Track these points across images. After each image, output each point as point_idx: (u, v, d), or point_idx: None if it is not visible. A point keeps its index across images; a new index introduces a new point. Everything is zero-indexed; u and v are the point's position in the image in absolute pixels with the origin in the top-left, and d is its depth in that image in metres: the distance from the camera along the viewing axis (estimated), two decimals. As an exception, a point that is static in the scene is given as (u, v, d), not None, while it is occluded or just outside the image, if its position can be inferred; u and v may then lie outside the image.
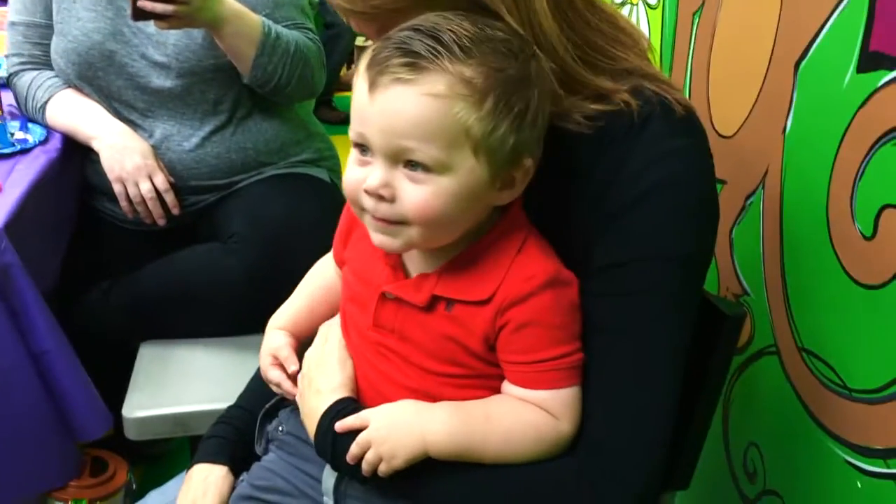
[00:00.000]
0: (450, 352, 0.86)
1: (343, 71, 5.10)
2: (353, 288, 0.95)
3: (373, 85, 0.78)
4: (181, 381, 1.59)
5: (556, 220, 0.90)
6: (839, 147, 1.05)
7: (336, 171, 1.97)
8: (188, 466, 1.10)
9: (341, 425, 0.87)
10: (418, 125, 0.77)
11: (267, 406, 1.08)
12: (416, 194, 0.79)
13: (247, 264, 1.64)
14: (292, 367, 1.01)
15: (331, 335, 0.98)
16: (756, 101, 1.24)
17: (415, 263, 0.89)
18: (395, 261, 0.89)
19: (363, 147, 0.81)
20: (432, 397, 0.87)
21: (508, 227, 0.87)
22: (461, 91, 0.76)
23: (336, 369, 0.94)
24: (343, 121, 4.58)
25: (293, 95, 1.82)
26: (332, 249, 1.06)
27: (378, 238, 0.83)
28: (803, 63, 1.13)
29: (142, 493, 1.19)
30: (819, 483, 1.13)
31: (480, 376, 0.88)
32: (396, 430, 0.84)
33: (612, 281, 0.86)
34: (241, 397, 1.17)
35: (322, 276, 1.09)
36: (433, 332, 0.86)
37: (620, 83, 0.86)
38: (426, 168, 0.78)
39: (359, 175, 0.81)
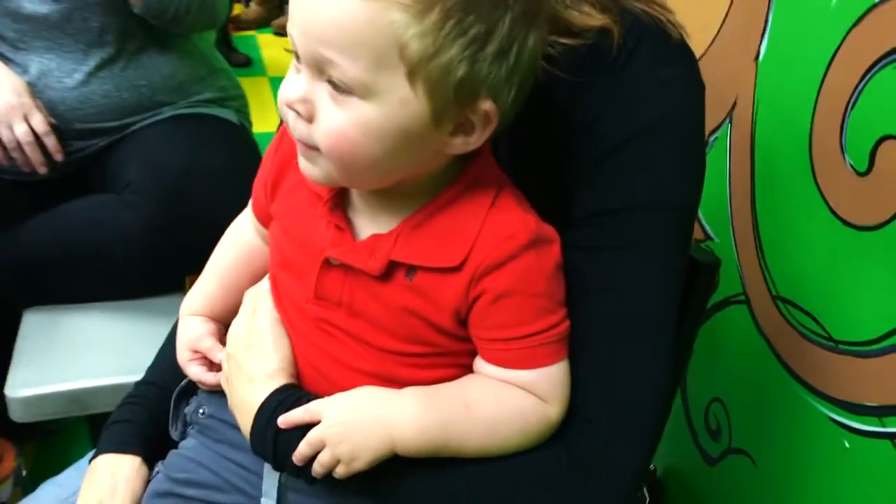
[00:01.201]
0: (411, 328, 0.72)
1: (239, 8, 4.76)
2: (286, 252, 0.78)
3: None
4: (74, 353, 1.38)
5: (529, 170, 0.77)
6: (825, 73, 0.95)
7: (244, 112, 1.78)
8: (91, 455, 0.92)
9: (286, 420, 0.72)
10: (340, 31, 0.61)
11: (183, 384, 0.91)
12: (332, 120, 0.64)
13: (146, 217, 1.45)
14: (218, 356, 0.85)
15: (259, 305, 0.82)
16: (723, 24, 1.12)
17: (365, 222, 0.74)
18: (341, 218, 0.73)
19: (297, 53, 0.66)
20: (390, 381, 0.73)
21: (477, 178, 0.72)
22: None
23: (270, 350, 0.77)
24: (244, 63, 4.28)
25: (193, 26, 1.62)
26: (252, 203, 0.89)
27: (301, 164, 0.69)
28: (781, -20, 1.02)
29: (33, 480, 1.03)
30: (797, 441, 1.04)
31: (448, 354, 0.74)
32: (357, 425, 0.70)
33: (601, 232, 0.74)
34: (150, 371, 1.00)
35: (238, 244, 0.92)
36: (390, 304, 0.71)
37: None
38: (348, 89, 0.63)
39: (285, 84, 0.67)
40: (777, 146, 1.04)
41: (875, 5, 0.87)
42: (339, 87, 0.63)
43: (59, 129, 1.53)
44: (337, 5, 0.61)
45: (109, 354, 1.37)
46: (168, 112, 1.63)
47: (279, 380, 0.76)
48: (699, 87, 0.76)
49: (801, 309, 1.02)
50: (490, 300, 0.69)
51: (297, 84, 0.65)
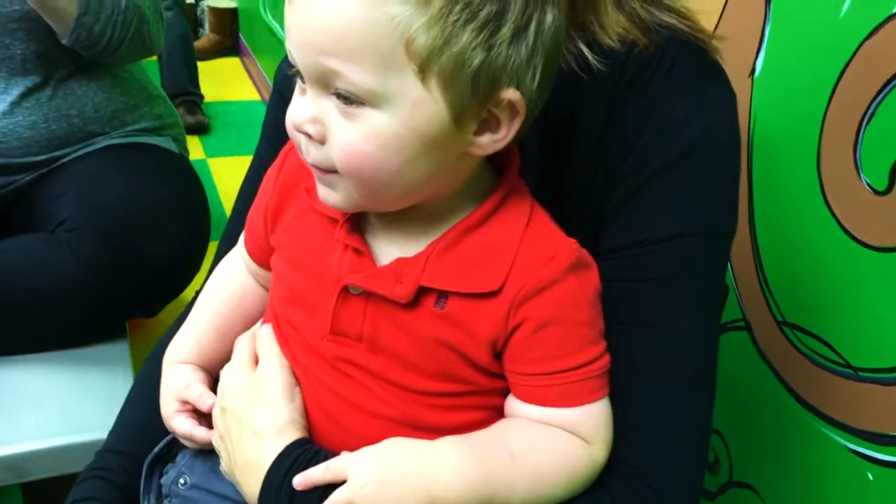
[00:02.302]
0: (441, 362, 0.64)
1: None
2: (294, 285, 0.69)
3: None
4: (7, 412, 1.24)
5: (556, 194, 0.71)
6: (835, 88, 0.91)
7: (181, 140, 1.67)
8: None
9: (304, 480, 0.63)
10: (338, 36, 0.55)
11: (157, 449, 0.80)
12: (345, 136, 0.58)
13: (83, 257, 1.34)
14: (208, 402, 0.75)
15: (262, 350, 0.72)
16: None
17: (387, 245, 0.66)
18: (360, 241, 0.65)
19: (300, 72, 0.60)
20: (415, 427, 0.65)
21: (509, 195, 0.65)
22: None
23: (280, 400, 0.68)
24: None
25: (126, 57, 1.50)
26: (244, 237, 0.79)
27: (319, 191, 0.63)
28: (778, -8, 0.98)
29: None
30: (811, 473, 0.99)
31: (479, 393, 0.66)
32: (391, 485, 0.61)
33: (640, 262, 0.68)
34: (112, 437, 0.88)
35: (230, 283, 0.82)
36: (419, 336, 0.64)
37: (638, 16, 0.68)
38: (357, 100, 0.56)
39: (292, 107, 0.60)
40: (780, 165, 0.99)
41: (891, 17, 0.83)
42: (348, 99, 0.56)
43: (-20, 164, 1.40)
44: (331, 9, 0.54)
45: (49, 412, 1.24)
46: (101, 142, 1.51)
47: (291, 434, 0.67)
48: (735, 106, 0.72)
49: (812, 335, 0.97)
50: (532, 329, 0.62)
51: (304, 105, 0.59)
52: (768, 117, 1.01)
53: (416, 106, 0.56)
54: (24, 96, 1.43)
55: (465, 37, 0.55)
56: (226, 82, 4.04)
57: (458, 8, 0.54)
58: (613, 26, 0.68)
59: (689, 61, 0.70)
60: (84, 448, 1.15)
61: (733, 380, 1.11)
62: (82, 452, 0.98)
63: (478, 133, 0.60)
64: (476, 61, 0.56)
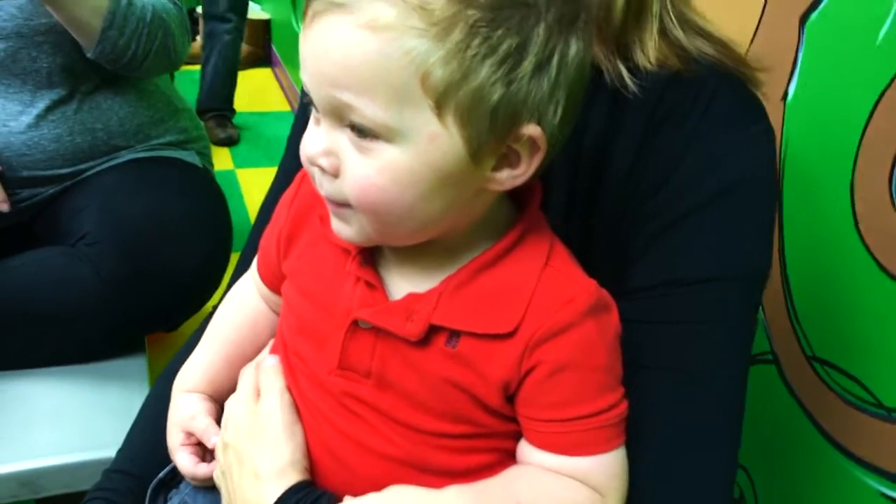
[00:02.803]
0: (451, 403, 0.62)
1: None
2: (304, 315, 0.68)
3: (307, 13, 0.56)
4: (23, 427, 1.24)
5: (580, 229, 0.69)
6: (871, 116, 0.87)
7: (206, 153, 1.66)
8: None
9: None
10: (353, 70, 0.53)
11: (162, 475, 0.79)
12: (358, 170, 0.56)
13: (104, 272, 1.34)
14: (213, 440, 0.73)
15: (265, 385, 0.70)
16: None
17: (400, 279, 0.64)
18: (372, 274, 0.63)
19: (312, 101, 0.58)
20: (422, 469, 0.63)
21: (528, 231, 0.62)
22: (413, 21, 0.52)
23: (280, 440, 0.66)
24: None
25: (151, 70, 1.50)
26: (257, 262, 0.78)
27: (333, 224, 0.61)
28: (812, 16, 0.95)
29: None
30: (839, 516, 0.95)
31: (489, 436, 0.64)
32: None
33: (667, 303, 0.66)
34: (120, 457, 0.87)
35: (242, 309, 0.80)
36: (428, 375, 0.61)
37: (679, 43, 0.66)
38: (371, 134, 0.55)
39: (306, 138, 0.59)
40: (812, 193, 0.96)
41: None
42: (362, 132, 0.54)
43: (5, 176, 1.39)
44: (345, 42, 0.52)
45: (64, 428, 1.24)
46: (125, 156, 1.51)
47: (291, 476, 0.65)
48: (773, 145, 0.70)
49: (842, 371, 0.93)
50: (546, 373, 0.59)
51: (317, 137, 0.57)
52: (801, 144, 0.98)
53: (432, 141, 0.54)
54: (49, 109, 1.43)
55: (484, 71, 0.53)
56: (257, 93, 4.06)
57: (476, 42, 0.52)
58: (655, 52, 0.66)
59: (729, 95, 0.67)
60: (99, 465, 1.12)
61: (760, 414, 1.08)
62: (97, 469, 0.96)
63: (496, 169, 0.58)
64: (495, 96, 0.54)
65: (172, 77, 1.72)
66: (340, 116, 0.55)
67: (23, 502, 1.56)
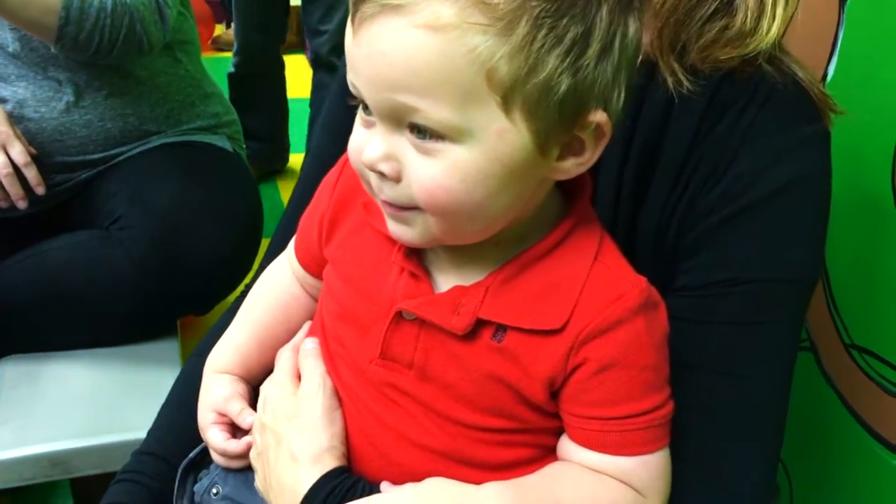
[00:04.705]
0: (493, 398, 0.61)
1: (220, 29, 4.60)
2: (346, 302, 0.67)
3: (356, 17, 0.54)
4: (56, 409, 1.25)
5: (620, 217, 0.69)
6: (914, 98, 0.85)
7: (238, 138, 1.66)
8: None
9: None
10: (415, 72, 0.52)
11: (192, 455, 0.79)
12: (425, 172, 0.54)
13: (135, 255, 1.34)
14: (248, 420, 0.73)
15: (306, 368, 0.69)
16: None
17: (446, 271, 0.63)
18: (417, 265, 0.63)
19: (365, 103, 0.56)
20: (460, 461, 0.62)
21: (578, 224, 0.61)
22: (475, 17, 0.50)
23: (319, 424, 0.65)
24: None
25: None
26: (295, 245, 0.77)
27: (391, 227, 0.59)
28: (853, -5, 0.92)
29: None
30: (878, 507, 0.93)
31: (530, 431, 0.63)
32: None
33: (716, 303, 0.66)
34: (149, 439, 0.87)
35: (274, 292, 0.80)
36: (472, 369, 0.60)
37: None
38: (436, 134, 0.53)
39: (362, 141, 0.57)
40: (850, 177, 0.93)
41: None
42: (426, 134, 0.53)
43: (40, 161, 1.40)
44: (403, 44, 0.51)
45: (96, 410, 1.25)
46: (156, 141, 1.51)
47: (328, 461, 0.64)
48: (829, 148, 0.69)
49: (882, 359, 0.91)
50: (592, 371, 0.58)
51: (374, 142, 0.55)
52: (840, 126, 0.95)
53: (499, 137, 0.53)
54: (79, 95, 1.44)
55: (551, 63, 0.52)
56: (295, 79, 4.06)
57: (542, 34, 0.51)
58: (717, 53, 0.65)
59: (787, 93, 0.66)
60: (130, 446, 1.12)
61: (796, 403, 1.05)
62: (128, 450, 0.97)
63: (561, 158, 0.57)
64: (563, 87, 0.53)
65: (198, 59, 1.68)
66: (399, 119, 0.54)
67: (56, 482, 1.59)
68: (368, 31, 0.53)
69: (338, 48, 2.52)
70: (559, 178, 0.59)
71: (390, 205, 0.57)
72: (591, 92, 0.54)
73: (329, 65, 2.63)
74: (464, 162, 0.53)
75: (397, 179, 0.55)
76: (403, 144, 0.55)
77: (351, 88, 0.57)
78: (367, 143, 0.56)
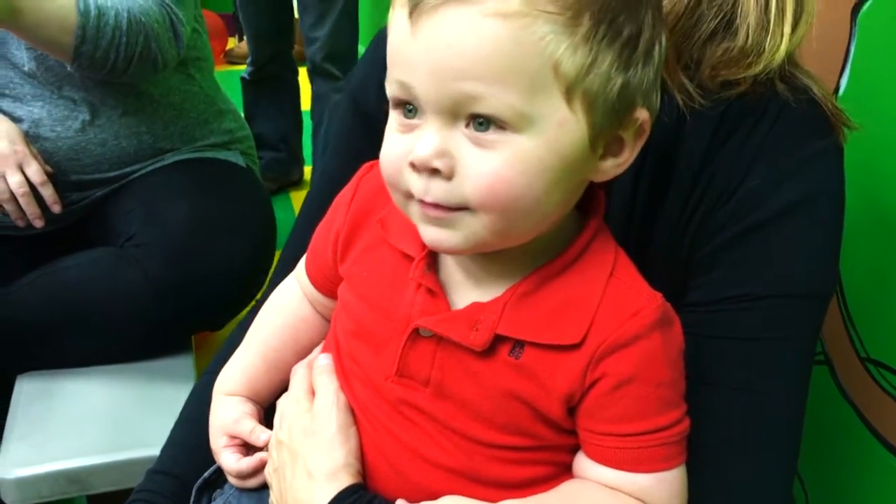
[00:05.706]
0: (511, 415, 0.61)
1: (232, 42, 4.62)
2: (362, 319, 0.67)
3: (415, 11, 0.53)
4: (73, 425, 1.26)
5: (632, 233, 0.69)
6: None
7: (251, 154, 1.67)
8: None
9: None
10: (485, 60, 0.52)
11: (206, 475, 0.79)
12: (482, 166, 0.54)
13: (150, 273, 1.35)
14: (263, 438, 0.73)
15: (320, 385, 0.70)
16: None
17: (462, 287, 0.63)
18: (434, 281, 0.62)
19: (407, 105, 0.56)
20: (476, 480, 0.62)
21: (595, 238, 0.61)
22: (543, 5, 0.51)
23: (335, 441, 0.66)
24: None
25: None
26: (306, 263, 0.77)
27: (430, 233, 0.57)
28: (864, 8, 0.92)
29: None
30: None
31: (547, 448, 0.63)
32: None
33: (729, 319, 0.65)
34: (163, 457, 0.88)
35: (283, 312, 0.80)
36: (490, 386, 0.60)
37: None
38: (500, 124, 0.53)
39: (402, 146, 0.56)
40: (864, 191, 0.93)
41: None
42: (487, 126, 0.53)
43: (56, 179, 1.42)
44: (472, 32, 0.51)
45: (113, 426, 1.25)
46: (170, 158, 1.52)
47: (344, 479, 0.64)
48: (842, 160, 0.69)
49: (898, 374, 0.91)
50: (610, 387, 0.58)
51: (425, 139, 0.54)
52: (852, 140, 0.95)
53: (561, 127, 0.54)
54: (95, 114, 1.45)
55: (610, 56, 0.54)
56: (305, 91, 4.07)
57: (603, 28, 0.53)
58: (725, 72, 0.65)
59: (798, 109, 0.66)
60: (146, 463, 1.13)
61: (811, 418, 1.05)
62: (145, 467, 0.98)
63: (603, 156, 0.58)
64: (618, 82, 0.55)
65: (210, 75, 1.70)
66: (457, 113, 0.53)
67: (73, 499, 1.60)
68: (431, 23, 0.52)
69: (331, 56, 2.53)
70: (598, 179, 0.59)
71: (437, 207, 0.55)
72: (638, 89, 0.56)
73: (325, 73, 2.57)
74: (525, 153, 0.53)
75: (450, 176, 0.54)
76: (458, 139, 0.54)
77: (396, 90, 0.56)
78: (411, 145, 0.55)
